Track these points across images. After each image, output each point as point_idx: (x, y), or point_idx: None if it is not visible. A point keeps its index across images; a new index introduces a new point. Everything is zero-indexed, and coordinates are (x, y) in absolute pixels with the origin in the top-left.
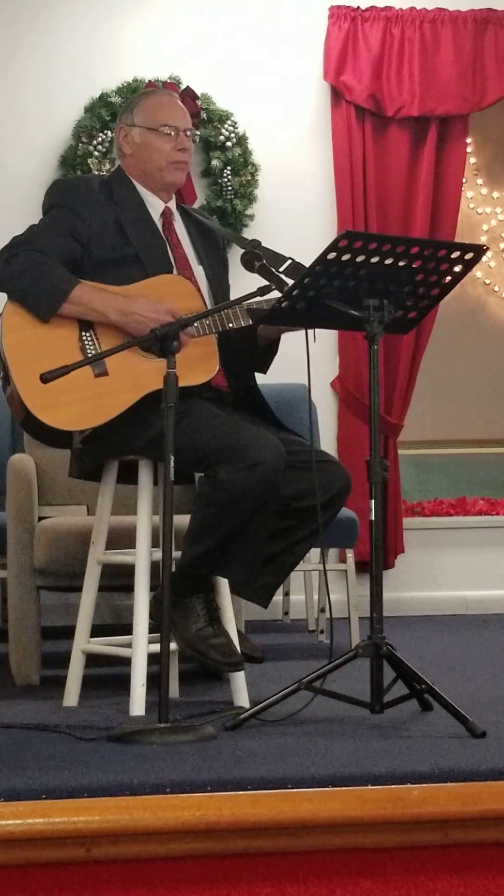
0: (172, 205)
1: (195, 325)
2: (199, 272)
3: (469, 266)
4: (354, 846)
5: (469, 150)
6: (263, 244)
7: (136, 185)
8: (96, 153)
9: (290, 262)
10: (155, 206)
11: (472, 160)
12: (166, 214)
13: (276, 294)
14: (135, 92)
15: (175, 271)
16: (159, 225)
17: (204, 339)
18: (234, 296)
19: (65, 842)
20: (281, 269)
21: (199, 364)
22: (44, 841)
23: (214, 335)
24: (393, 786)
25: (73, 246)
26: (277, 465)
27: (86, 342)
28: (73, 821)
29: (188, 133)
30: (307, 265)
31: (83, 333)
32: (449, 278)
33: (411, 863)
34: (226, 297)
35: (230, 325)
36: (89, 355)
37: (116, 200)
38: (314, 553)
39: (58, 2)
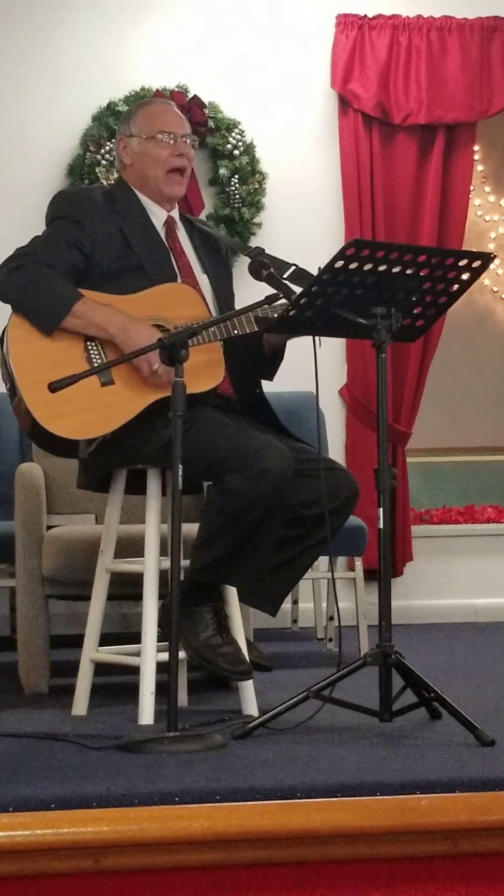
0: (175, 214)
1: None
2: (203, 280)
3: (477, 274)
4: (363, 856)
5: (476, 157)
6: (271, 252)
7: (138, 195)
8: (104, 162)
9: (294, 268)
10: (158, 215)
11: (480, 168)
12: (169, 223)
13: (283, 302)
14: (142, 100)
15: (179, 280)
16: (162, 234)
17: (209, 346)
18: (238, 303)
19: (73, 853)
20: (285, 276)
21: (205, 371)
22: (52, 852)
23: (220, 342)
24: (401, 796)
25: (77, 256)
26: (285, 473)
27: (91, 352)
28: (81, 832)
29: (186, 140)
30: (312, 271)
31: (88, 343)
32: (456, 286)
33: (420, 873)
34: (230, 304)
35: (235, 331)
36: (95, 365)
37: (119, 210)
38: (323, 561)
39: (64, 11)
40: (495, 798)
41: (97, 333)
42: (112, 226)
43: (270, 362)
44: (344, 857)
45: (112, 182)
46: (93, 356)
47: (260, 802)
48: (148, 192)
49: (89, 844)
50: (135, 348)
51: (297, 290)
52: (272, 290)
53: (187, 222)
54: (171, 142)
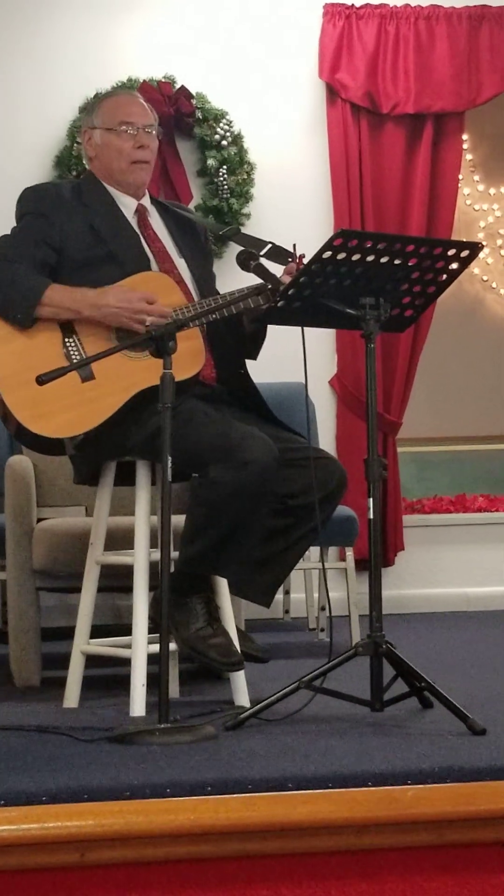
0: (146, 201)
1: (176, 317)
2: (181, 264)
3: (465, 263)
4: (349, 848)
5: (465, 146)
6: (247, 233)
7: (105, 187)
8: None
9: (270, 245)
10: (127, 204)
11: (469, 157)
12: (140, 211)
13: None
14: None
15: (154, 266)
16: (133, 223)
17: (189, 333)
18: (219, 284)
19: (59, 847)
20: (262, 253)
21: (186, 358)
22: (38, 846)
23: (201, 327)
24: (387, 787)
25: (47, 253)
26: (269, 464)
27: (70, 348)
28: (66, 825)
29: (148, 130)
30: (289, 248)
31: (66, 340)
32: (445, 276)
33: (406, 864)
34: (211, 287)
35: (213, 316)
36: (74, 361)
37: (87, 203)
38: (314, 551)
39: (52, 2)
40: (480, 788)
41: (72, 317)
42: (81, 219)
43: (252, 341)
44: (331, 849)
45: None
46: (71, 352)
47: (246, 795)
48: (114, 182)
49: (75, 838)
50: (113, 322)
51: (274, 270)
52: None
53: (161, 207)
54: (133, 133)
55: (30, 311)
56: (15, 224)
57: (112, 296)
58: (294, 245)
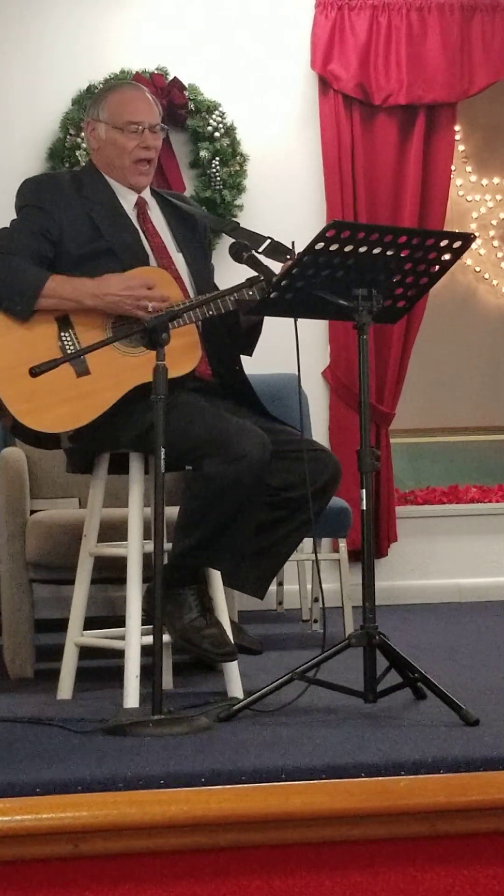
0: (146, 194)
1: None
2: (178, 259)
3: (458, 254)
4: (343, 838)
5: (458, 137)
6: (246, 228)
7: (106, 179)
8: (84, 145)
9: (269, 241)
10: (127, 197)
11: (461, 148)
12: (140, 205)
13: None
14: None
15: (152, 261)
16: (133, 216)
17: (185, 329)
18: (217, 279)
19: (53, 838)
20: (260, 250)
21: (182, 354)
22: (32, 837)
23: (195, 323)
24: (380, 778)
25: (45, 245)
26: (262, 458)
27: (65, 342)
28: (60, 817)
29: (154, 129)
30: (288, 245)
31: (62, 334)
32: (437, 267)
33: (400, 854)
34: (208, 281)
35: (210, 312)
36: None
37: (87, 195)
38: (307, 542)
39: None
40: (473, 779)
41: (73, 307)
42: (80, 211)
43: (248, 337)
44: (324, 840)
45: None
46: (67, 346)
47: (239, 786)
48: (116, 176)
49: (68, 829)
50: (115, 310)
51: (272, 265)
52: (252, 272)
53: (161, 199)
54: (139, 132)
55: (31, 302)
56: (14, 215)
57: (113, 284)
58: (293, 242)
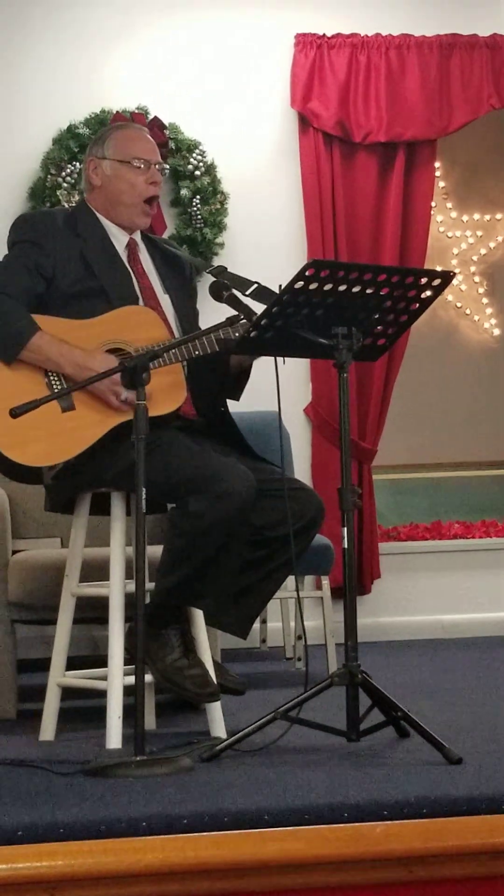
0: (137, 236)
1: (151, 349)
2: (165, 301)
3: (437, 292)
4: (319, 885)
5: (438, 174)
6: (233, 272)
7: (99, 218)
8: (65, 185)
9: (255, 286)
10: (119, 238)
11: (442, 184)
12: (131, 246)
13: (244, 323)
14: (103, 123)
15: (141, 302)
16: (124, 257)
17: (170, 368)
18: (202, 321)
19: (28, 887)
20: (247, 293)
21: (166, 393)
22: (7, 886)
23: (182, 363)
24: (356, 824)
25: (37, 281)
26: (247, 496)
27: (52, 379)
28: (36, 866)
29: (158, 167)
30: (275, 290)
31: (49, 372)
32: (417, 304)
33: None
34: (193, 323)
35: (196, 352)
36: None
37: (80, 233)
38: (290, 580)
39: (23, 35)
40: (448, 824)
41: (53, 368)
42: (73, 249)
43: (236, 382)
44: (300, 886)
45: (73, 204)
46: (53, 384)
47: (215, 833)
48: (112, 215)
49: (44, 878)
50: (92, 386)
51: (259, 310)
52: (233, 311)
53: (149, 242)
54: (145, 168)
55: (13, 352)
56: (7, 251)
57: (98, 363)
58: (280, 286)
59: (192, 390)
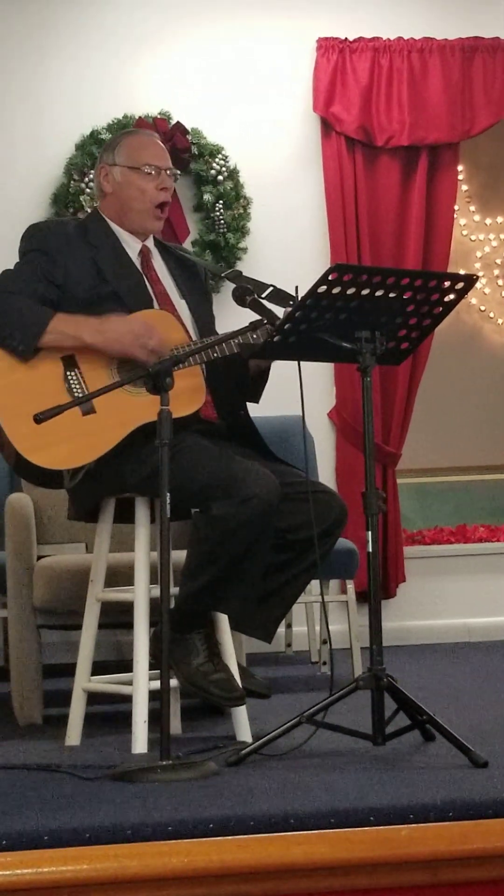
0: (150, 243)
1: (174, 354)
2: (181, 306)
3: (461, 295)
4: (345, 888)
5: (461, 177)
6: (257, 277)
7: (111, 226)
8: (88, 190)
9: (271, 288)
10: (132, 245)
11: (464, 187)
12: (144, 253)
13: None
14: (125, 128)
15: (156, 305)
16: (138, 263)
17: (190, 371)
18: (221, 328)
19: (54, 891)
20: (263, 296)
21: (186, 396)
22: (33, 891)
23: (200, 366)
24: (381, 827)
25: (49, 289)
26: (271, 500)
27: (71, 382)
28: (61, 870)
29: (169, 172)
30: (292, 292)
31: (67, 373)
32: (441, 308)
33: None
34: (210, 328)
35: (215, 354)
36: (76, 395)
37: (92, 241)
38: (316, 584)
39: (48, 40)
40: (474, 827)
41: (74, 343)
42: (84, 257)
43: (256, 384)
44: (326, 890)
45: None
46: (73, 386)
47: (240, 837)
48: (124, 222)
49: (69, 883)
50: (115, 347)
51: (280, 314)
52: (256, 316)
53: (163, 249)
54: (156, 174)
55: (33, 340)
56: (18, 260)
57: (114, 323)
58: (296, 287)
59: (212, 395)
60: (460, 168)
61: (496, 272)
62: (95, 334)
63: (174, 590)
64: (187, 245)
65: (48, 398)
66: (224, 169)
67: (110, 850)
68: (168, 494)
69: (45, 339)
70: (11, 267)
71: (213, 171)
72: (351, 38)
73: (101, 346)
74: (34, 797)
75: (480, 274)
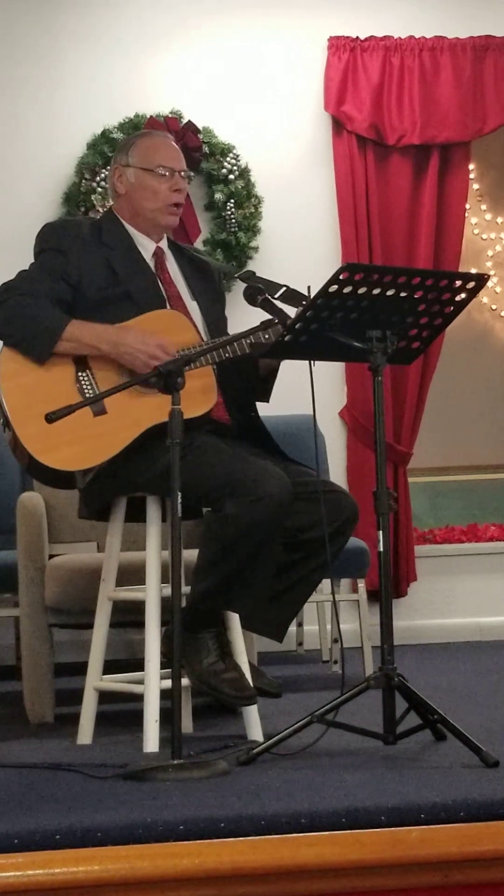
0: (164, 244)
1: (184, 353)
2: (193, 308)
3: (472, 294)
4: (355, 889)
5: (472, 176)
6: (268, 276)
7: (126, 226)
8: (99, 189)
9: (284, 289)
10: (146, 246)
11: (476, 186)
12: (158, 254)
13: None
14: (137, 127)
15: (168, 307)
16: (151, 264)
17: (202, 371)
18: (233, 328)
19: (66, 892)
20: (276, 296)
21: (198, 396)
22: (45, 891)
23: (212, 366)
24: (392, 828)
25: (64, 288)
26: (283, 499)
27: (83, 383)
28: (73, 871)
29: (183, 174)
30: (304, 292)
31: (79, 374)
32: (452, 307)
33: None
34: (222, 330)
35: (226, 355)
36: (87, 395)
37: (106, 241)
38: (327, 583)
39: (59, 39)
40: (484, 829)
41: (90, 352)
42: (98, 257)
43: (265, 383)
44: (336, 891)
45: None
46: (84, 386)
47: (250, 838)
48: (138, 223)
49: (81, 884)
50: (126, 360)
51: (292, 314)
52: (267, 315)
53: (177, 250)
54: (169, 176)
55: (49, 346)
56: (33, 259)
57: (132, 337)
58: (308, 287)
59: (223, 396)
60: (471, 167)
61: None
62: (112, 346)
63: (185, 589)
64: (199, 244)
65: (60, 399)
66: (235, 168)
67: (122, 851)
68: (179, 493)
69: (60, 347)
70: (24, 265)
71: (224, 170)
72: (362, 37)
73: (115, 358)
74: (45, 796)
75: (492, 273)
